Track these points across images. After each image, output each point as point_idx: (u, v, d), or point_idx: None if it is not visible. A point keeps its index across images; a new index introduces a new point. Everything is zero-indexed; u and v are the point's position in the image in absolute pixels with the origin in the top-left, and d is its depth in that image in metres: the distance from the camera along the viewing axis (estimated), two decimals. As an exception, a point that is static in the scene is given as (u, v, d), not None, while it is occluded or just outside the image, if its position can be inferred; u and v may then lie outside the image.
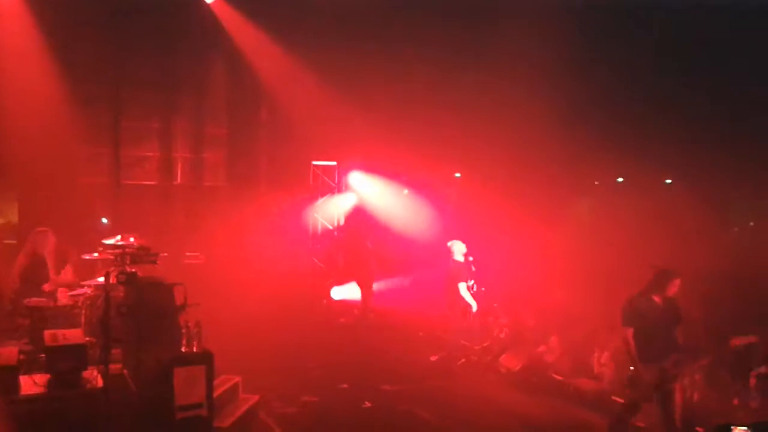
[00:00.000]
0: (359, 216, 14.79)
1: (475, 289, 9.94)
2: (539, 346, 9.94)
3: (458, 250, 10.06)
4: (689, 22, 13.18)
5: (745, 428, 3.73)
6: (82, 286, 8.08)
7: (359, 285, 13.35)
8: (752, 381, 7.95)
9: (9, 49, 11.16)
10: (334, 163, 14.76)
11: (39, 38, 11.48)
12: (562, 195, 16.04)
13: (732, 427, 3.77)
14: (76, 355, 5.82)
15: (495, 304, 11.21)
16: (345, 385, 8.97)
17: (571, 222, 16.56)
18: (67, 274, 8.39)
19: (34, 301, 7.56)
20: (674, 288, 6.65)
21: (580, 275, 11.50)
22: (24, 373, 5.88)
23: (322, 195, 14.76)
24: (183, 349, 6.32)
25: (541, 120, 13.07)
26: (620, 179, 17.63)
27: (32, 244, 8.17)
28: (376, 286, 13.44)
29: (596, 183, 17.89)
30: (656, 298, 6.67)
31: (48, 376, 5.81)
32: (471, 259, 10.08)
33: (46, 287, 7.93)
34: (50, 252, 8.21)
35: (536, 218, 13.94)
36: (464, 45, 13.64)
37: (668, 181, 17.32)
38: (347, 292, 14.05)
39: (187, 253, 12.37)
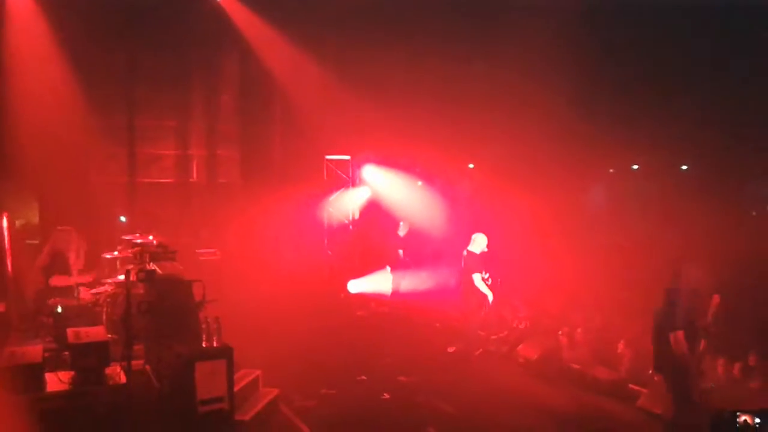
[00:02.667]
0: (380, 208, 14.81)
1: (489, 281, 9.94)
2: (562, 338, 9.91)
3: (479, 242, 10.06)
4: (702, 8, 13.05)
5: (750, 415, 3.73)
6: (103, 283, 8.20)
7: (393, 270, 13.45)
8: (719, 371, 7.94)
9: (24, 53, 11.29)
10: (347, 157, 14.80)
11: (53, 40, 11.61)
12: (576, 183, 15.99)
13: (738, 414, 3.77)
14: (99, 352, 5.92)
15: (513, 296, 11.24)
16: (363, 378, 9.04)
17: (587, 210, 16.52)
18: (80, 261, 8.47)
19: (57, 300, 7.70)
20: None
21: (595, 263, 11.50)
22: (49, 371, 5.99)
23: (336, 189, 14.82)
24: (203, 345, 6.42)
25: (554, 108, 13.02)
26: (635, 166, 17.53)
27: (55, 242, 8.28)
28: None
29: (611, 170, 17.81)
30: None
31: (72, 373, 5.91)
32: (486, 250, 10.07)
33: (58, 282, 7.98)
34: (73, 250, 8.31)
35: (551, 207, 13.92)
36: (476, 35, 13.60)
37: (684, 167, 17.20)
38: (373, 283, 14.04)
39: (204, 250, 12.49)
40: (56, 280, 7.86)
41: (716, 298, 9.52)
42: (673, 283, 6.52)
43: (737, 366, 8.02)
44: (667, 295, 6.47)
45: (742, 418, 3.76)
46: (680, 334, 6.19)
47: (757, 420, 3.72)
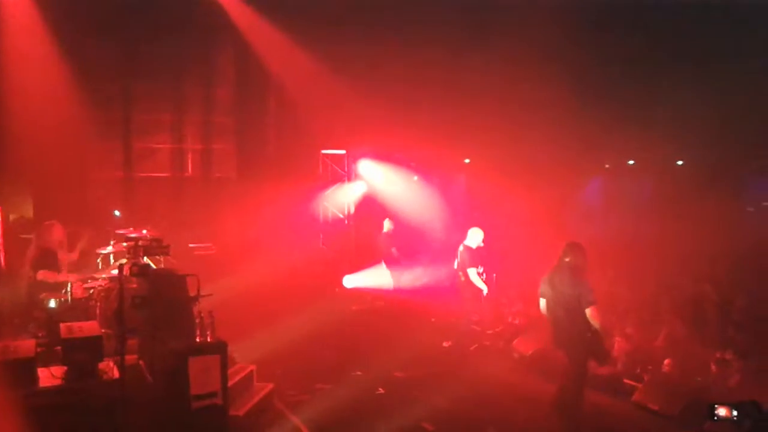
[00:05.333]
0: (376, 202, 14.76)
1: (485, 276, 9.91)
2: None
3: (474, 237, 10.02)
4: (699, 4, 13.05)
5: (728, 407, 3.75)
6: (96, 278, 8.15)
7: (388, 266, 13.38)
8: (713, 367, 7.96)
9: (18, 47, 11.22)
10: (343, 151, 14.78)
11: (47, 35, 11.54)
12: (572, 178, 16.01)
13: (715, 406, 3.79)
14: (92, 347, 5.87)
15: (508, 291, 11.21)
16: (358, 372, 9.03)
17: (582, 204, 16.53)
18: (73, 254, 8.41)
19: (49, 295, 7.65)
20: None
21: (589, 258, 11.47)
22: (41, 366, 5.94)
23: (332, 184, 14.79)
24: (197, 340, 6.39)
25: (550, 103, 13.02)
26: (631, 162, 17.56)
27: (38, 238, 8.19)
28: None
29: (607, 166, 17.84)
30: None
31: (65, 368, 5.87)
32: (482, 245, 10.05)
33: (45, 277, 7.90)
34: (61, 244, 8.23)
35: (546, 201, 13.92)
36: (473, 30, 13.57)
37: (680, 162, 17.23)
38: (369, 278, 13.97)
39: (199, 244, 12.45)
40: (43, 275, 7.77)
41: None
42: (572, 261, 6.89)
43: (713, 357, 8.01)
44: (570, 273, 6.81)
45: (721, 410, 3.76)
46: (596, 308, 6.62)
47: (735, 412, 3.73)
